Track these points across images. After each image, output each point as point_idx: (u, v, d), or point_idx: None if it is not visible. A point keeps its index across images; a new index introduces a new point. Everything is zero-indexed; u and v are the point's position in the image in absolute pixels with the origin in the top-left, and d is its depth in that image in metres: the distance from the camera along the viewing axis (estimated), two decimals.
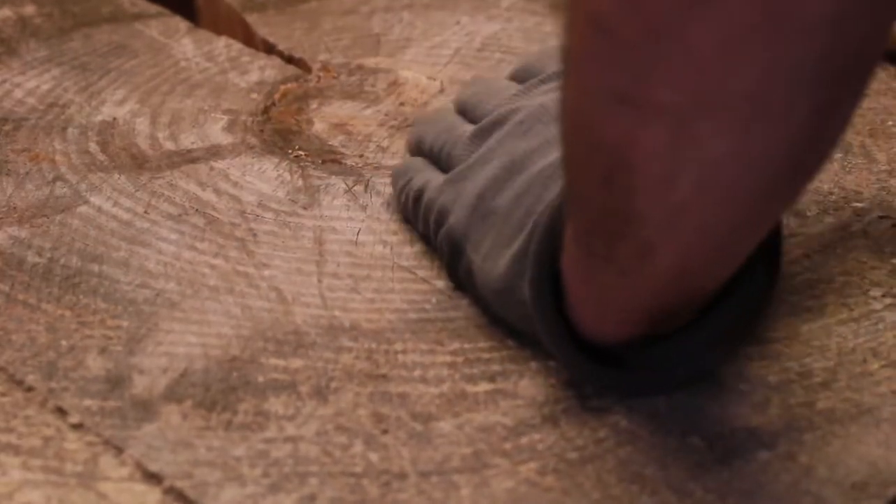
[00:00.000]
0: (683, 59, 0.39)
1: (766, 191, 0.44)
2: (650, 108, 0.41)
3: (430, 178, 0.62)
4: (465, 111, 0.65)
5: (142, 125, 0.73)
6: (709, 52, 0.39)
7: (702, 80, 0.40)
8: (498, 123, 0.60)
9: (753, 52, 0.39)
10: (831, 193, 0.66)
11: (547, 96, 0.60)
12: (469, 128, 0.62)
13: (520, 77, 0.66)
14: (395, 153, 0.71)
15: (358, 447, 0.51)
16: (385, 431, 0.52)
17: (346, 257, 0.62)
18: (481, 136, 0.60)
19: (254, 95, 0.76)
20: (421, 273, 0.61)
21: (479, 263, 0.57)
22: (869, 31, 0.40)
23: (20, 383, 0.54)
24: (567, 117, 0.46)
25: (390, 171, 0.67)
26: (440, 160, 0.63)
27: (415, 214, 0.63)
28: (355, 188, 0.67)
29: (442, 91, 0.77)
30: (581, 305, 0.51)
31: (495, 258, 0.55)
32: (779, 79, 0.40)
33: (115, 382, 0.54)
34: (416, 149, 0.66)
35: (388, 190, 0.66)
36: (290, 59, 0.81)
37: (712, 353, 0.53)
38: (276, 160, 0.70)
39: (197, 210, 0.65)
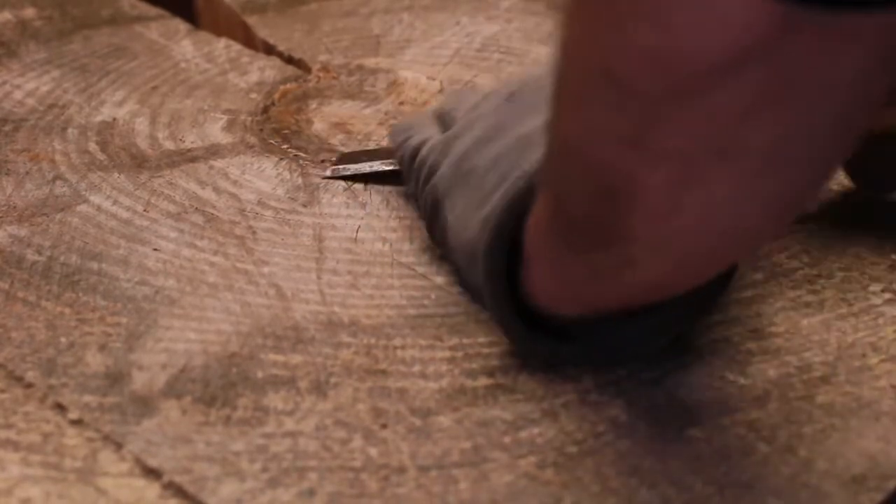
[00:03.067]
0: (700, 117, 0.39)
1: (765, 223, 0.44)
2: (659, 153, 0.41)
3: (429, 135, 0.61)
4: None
5: (141, 125, 0.73)
6: (728, 113, 0.39)
7: (716, 135, 0.40)
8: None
9: (772, 114, 0.39)
10: (830, 190, 0.66)
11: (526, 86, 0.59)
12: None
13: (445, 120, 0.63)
14: None
15: (357, 442, 0.51)
16: (384, 426, 0.52)
17: (346, 254, 0.62)
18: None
19: (253, 95, 0.76)
20: (420, 269, 0.61)
21: (452, 222, 0.56)
22: (877, 87, 0.40)
23: (20, 380, 0.54)
24: (563, 142, 0.45)
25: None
26: (445, 122, 0.62)
27: (408, 172, 0.62)
28: (354, 186, 0.67)
29: (441, 91, 0.77)
30: (541, 283, 0.50)
31: (466, 219, 0.55)
32: (795, 136, 0.40)
33: (115, 378, 0.54)
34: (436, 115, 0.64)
35: (388, 188, 0.66)
36: (289, 60, 0.81)
37: (663, 335, 0.53)
38: (276, 159, 0.70)
39: (196, 208, 0.65)
